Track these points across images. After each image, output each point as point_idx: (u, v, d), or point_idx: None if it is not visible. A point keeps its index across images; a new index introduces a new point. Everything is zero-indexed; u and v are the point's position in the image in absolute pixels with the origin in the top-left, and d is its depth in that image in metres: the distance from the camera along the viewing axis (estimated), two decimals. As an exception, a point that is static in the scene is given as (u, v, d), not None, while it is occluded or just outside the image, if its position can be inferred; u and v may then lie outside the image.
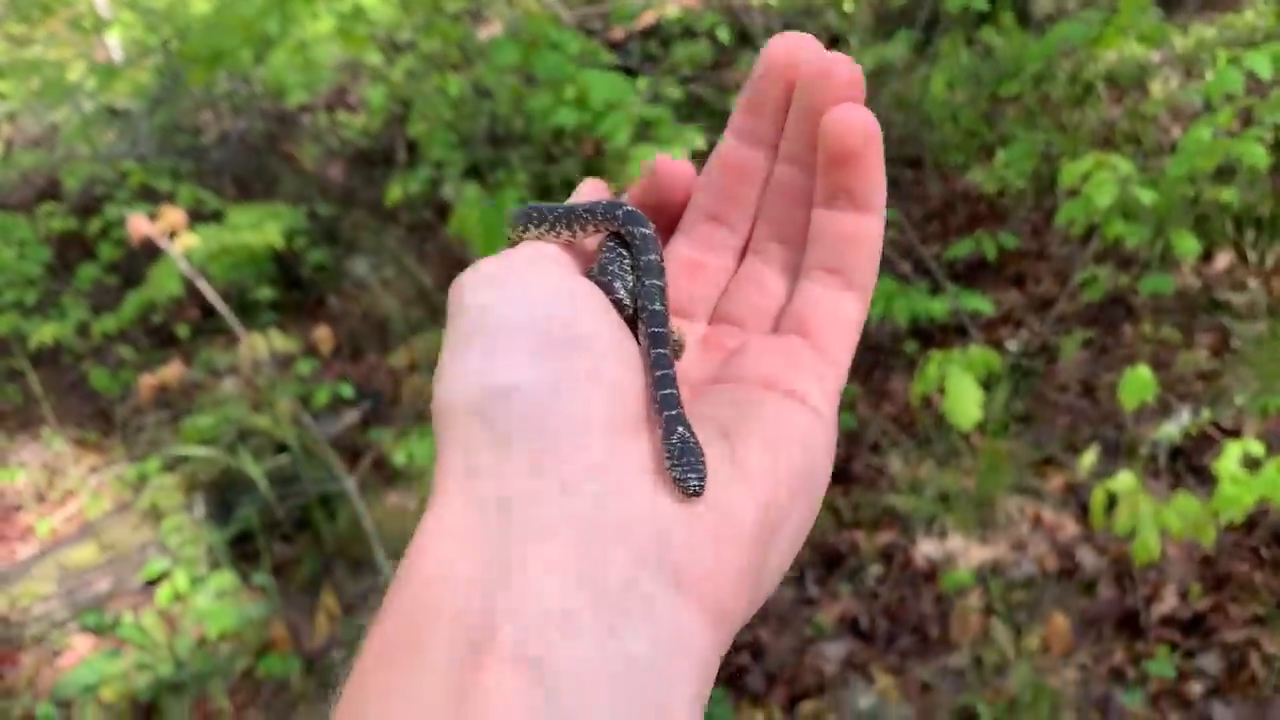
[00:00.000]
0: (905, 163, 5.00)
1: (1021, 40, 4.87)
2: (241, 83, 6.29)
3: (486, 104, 5.77)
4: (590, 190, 0.72)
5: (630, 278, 0.66)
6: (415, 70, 5.81)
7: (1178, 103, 4.49)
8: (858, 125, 0.60)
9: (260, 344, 2.96)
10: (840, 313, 0.63)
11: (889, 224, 4.37)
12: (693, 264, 0.70)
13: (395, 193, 5.15)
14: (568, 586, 0.49)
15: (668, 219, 0.72)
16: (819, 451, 0.59)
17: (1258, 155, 3.21)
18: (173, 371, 3.01)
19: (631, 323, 0.64)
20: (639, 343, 0.63)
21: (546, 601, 0.48)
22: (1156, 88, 4.69)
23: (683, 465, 0.54)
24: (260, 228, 4.95)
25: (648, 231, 0.67)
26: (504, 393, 0.54)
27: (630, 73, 5.39)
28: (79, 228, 5.74)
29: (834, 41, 5.40)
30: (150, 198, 5.69)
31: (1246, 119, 3.57)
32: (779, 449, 0.57)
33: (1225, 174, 3.77)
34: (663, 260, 0.66)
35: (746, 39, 5.78)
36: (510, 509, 0.51)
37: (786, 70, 0.65)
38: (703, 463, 0.54)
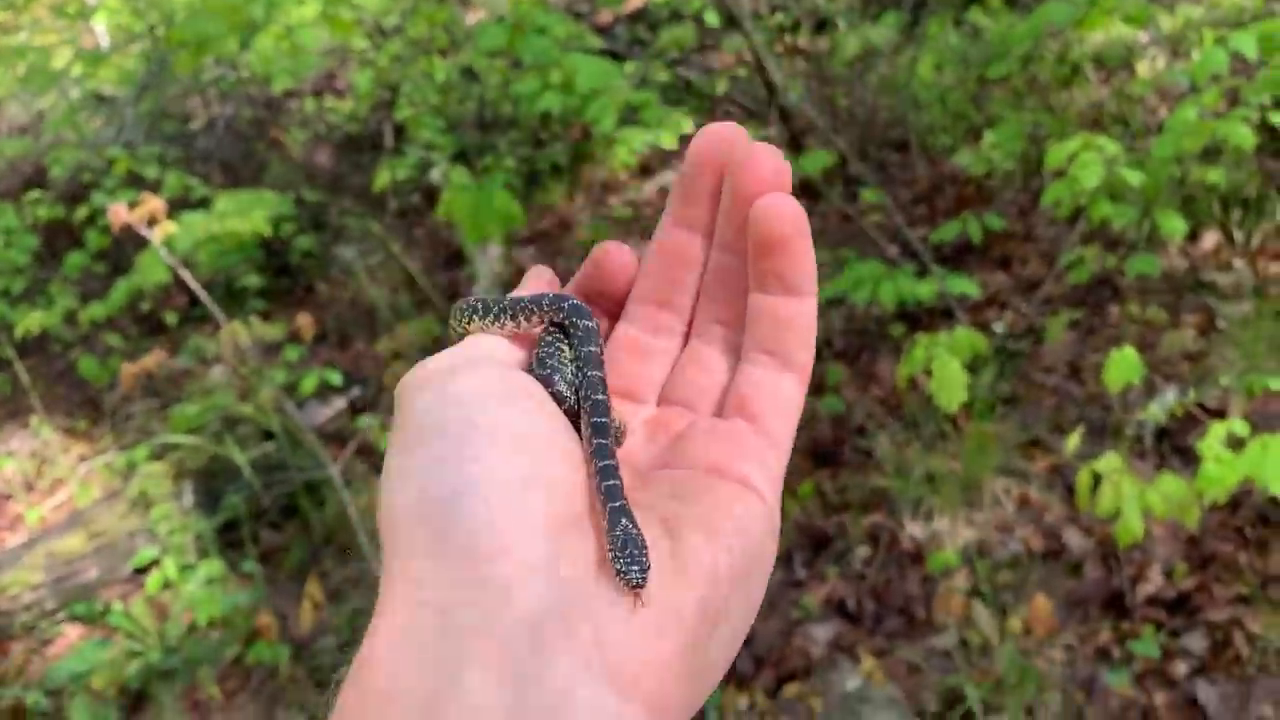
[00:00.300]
0: (892, 146, 5.00)
1: (1009, 21, 4.86)
2: (229, 68, 6.26)
3: (475, 88, 5.75)
4: (535, 279, 0.75)
5: (570, 369, 0.68)
6: (402, 55, 5.79)
7: (1164, 83, 4.49)
8: (786, 214, 0.63)
9: (241, 331, 2.95)
10: (781, 394, 0.65)
11: (876, 207, 4.36)
12: (639, 347, 0.72)
13: (383, 178, 5.13)
14: (504, 699, 0.50)
15: (612, 304, 0.74)
16: (762, 538, 0.60)
17: (1244, 136, 3.21)
18: (154, 359, 3.00)
19: (572, 414, 0.66)
20: (581, 433, 0.64)
21: (483, 716, 0.49)
22: (1143, 68, 4.68)
23: (625, 558, 0.55)
24: (247, 214, 4.93)
25: (590, 324, 0.69)
26: (445, 499, 0.56)
27: (617, 57, 5.38)
28: (66, 215, 5.71)
29: (821, 25, 5.38)
30: (137, 185, 5.67)
31: (1233, 99, 3.56)
32: (720, 541, 0.58)
33: (1211, 154, 3.77)
34: (603, 352, 0.69)
35: (734, 21, 5.77)
36: (451, 617, 0.52)
37: (715, 161, 0.67)
38: (645, 554, 0.55)
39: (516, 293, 0.74)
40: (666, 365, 0.71)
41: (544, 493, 0.57)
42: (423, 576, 0.54)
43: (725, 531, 0.58)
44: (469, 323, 0.72)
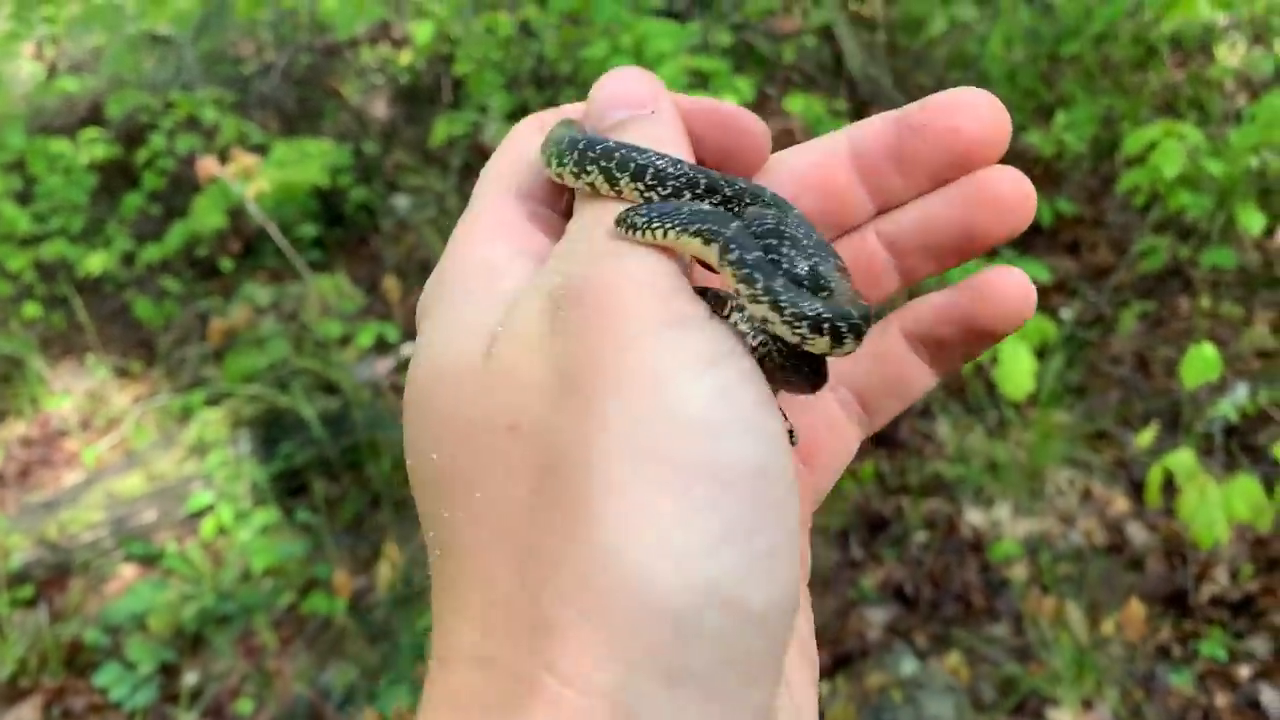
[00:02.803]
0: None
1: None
2: (288, 13, 6.23)
3: (533, 45, 5.70)
4: (626, 90, 0.64)
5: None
6: (463, 6, 5.74)
7: (1245, 69, 4.40)
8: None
9: (327, 287, 2.96)
10: (841, 438, 0.69)
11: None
12: None
13: (441, 131, 5.11)
14: None
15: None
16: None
17: (1331, 130, 3.15)
18: (242, 315, 3.02)
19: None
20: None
21: None
22: (1223, 52, 4.58)
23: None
24: (306, 164, 4.94)
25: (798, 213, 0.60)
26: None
27: (676, 17, 5.31)
28: (123, 155, 5.72)
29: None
30: (195, 128, 5.67)
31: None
32: None
33: (1292, 146, 3.70)
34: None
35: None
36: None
37: (960, 144, 0.62)
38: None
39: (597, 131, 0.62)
40: None
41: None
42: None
43: None
44: (575, 171, 0.59)
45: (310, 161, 4.95)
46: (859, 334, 0.53)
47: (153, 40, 6.84)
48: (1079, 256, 4.11)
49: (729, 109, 0.64)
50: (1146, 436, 2.85)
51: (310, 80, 6.43)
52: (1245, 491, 2.44)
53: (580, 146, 0.59)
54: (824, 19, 4.74)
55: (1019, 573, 3.00)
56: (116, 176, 5.97)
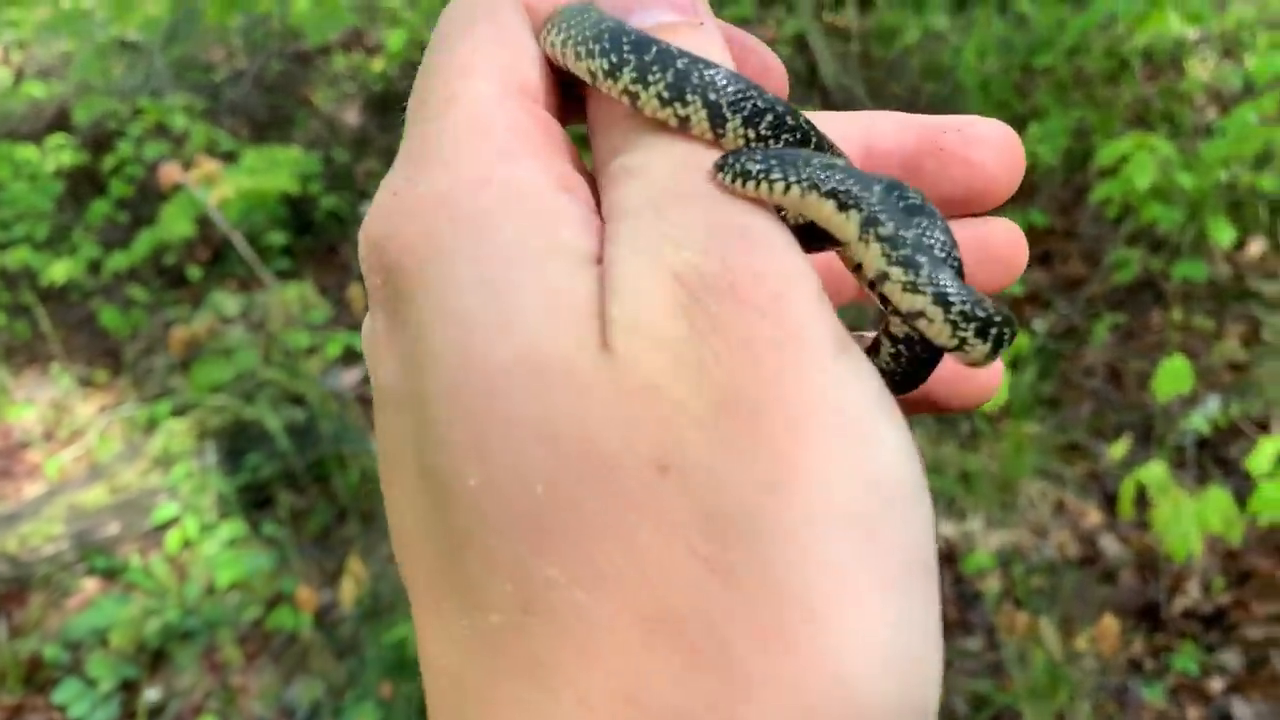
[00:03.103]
0: (933, 132, 4.92)
1: (1056, 9, 4.77)
2: (260, 20, 6.18)
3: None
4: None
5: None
6: (435, 13, 5.70)
7: (1215, 84, 4.42)
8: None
9: (292, 296, 2.91)
10: None
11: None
12: None
13: (413, 140, 5.06)
14: None
15: None
16: None
17: (1301, 144, 3.17)
18: (204, 324, 2.97)
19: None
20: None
21: None
22: (1194, 67, 4.61)
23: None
24: (276, 172, 4.88)
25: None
26: None
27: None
28: (90, 162, 5.65)
29: (865, 2, 5.29)
30: (163, 135, 5.61)
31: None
32: None
33: (1261, 160, 3.71)
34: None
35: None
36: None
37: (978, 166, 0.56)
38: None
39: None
40: None
41: None
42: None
43: None
44: (635, 77, 0.45)
45: (280, 169, 4.90)
46: (1010, 344, 0.45)
47: (122, 46, 6.77)
48: (1052, 268, 4.11)
49: (759, 43, 0.54)
50: (1119, 449, 2.84)
51: (281, 87, 6.37)
52: (1218, 504, 2.43)
53: (649, 47, 0.45)
54: (798, 27, 4.74)
55: (992, 585, 2.98)
56: (83, 183, 5.89)
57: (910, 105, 4.90)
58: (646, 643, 0.38)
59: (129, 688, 3.54)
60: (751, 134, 0.46)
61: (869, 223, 0.43)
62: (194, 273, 5.46)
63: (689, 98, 0.45)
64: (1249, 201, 3.79)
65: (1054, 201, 4.39)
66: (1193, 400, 3.28)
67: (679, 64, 0.45)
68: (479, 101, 0.46)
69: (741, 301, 0.40)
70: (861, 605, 0.37)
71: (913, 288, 0.43)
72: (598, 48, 0.46)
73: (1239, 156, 3.47)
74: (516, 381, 0.40)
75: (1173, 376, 2.76)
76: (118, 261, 5.18)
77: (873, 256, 0.44)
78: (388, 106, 6.24)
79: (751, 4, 4.95)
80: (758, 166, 0.43)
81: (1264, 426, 3.15)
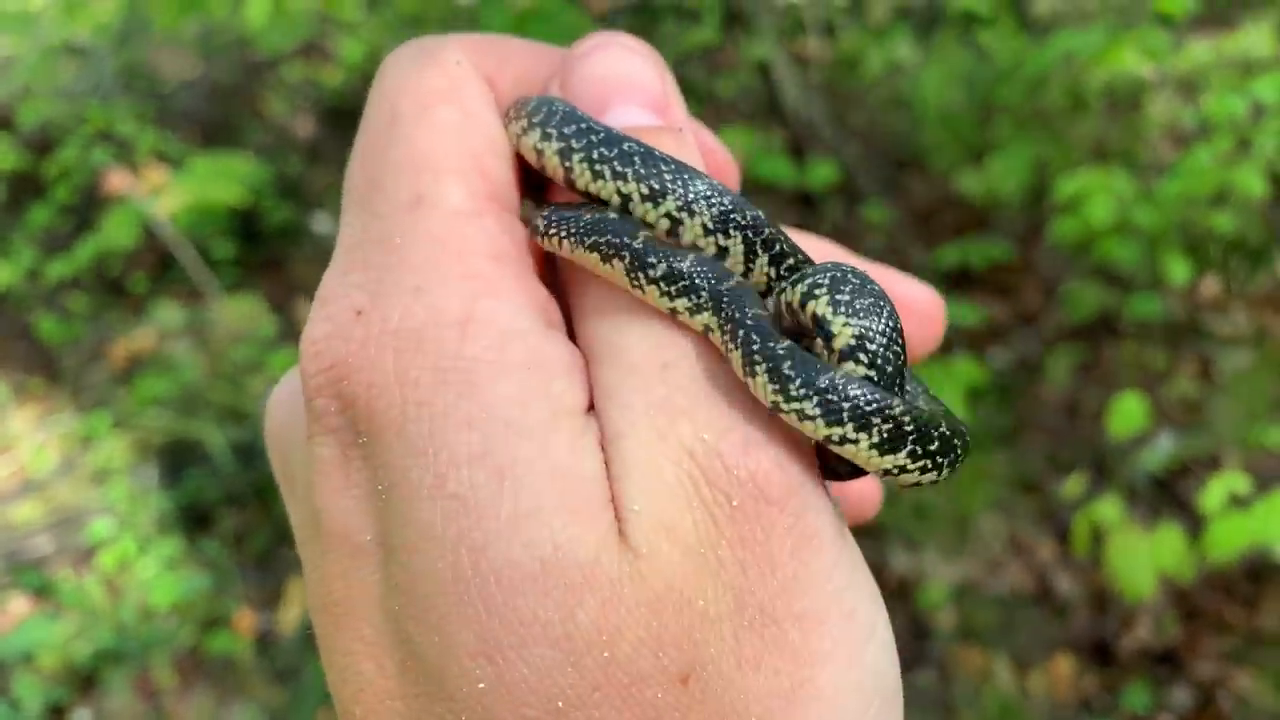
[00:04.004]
0: (892, 163, 4.94)
1: (1016, 44, 4.81)
2: (212, 29, 6.07)
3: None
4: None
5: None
6: (393, 26, 5.63)
7: (1173, 122, 4.47)
8: None
9: (238, 311, 2.82)
10: None
11: (877, 226, 4.31)
12: None
13: (368, 154, 4.98)
14: None
15: None
16: None
17: (1254, 184, 3.19)
18: (146, 339, 2.87)
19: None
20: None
21: None
22: (1153, 105, 4.66)
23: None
24: (225, 181, 4.78)
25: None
26: None
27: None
28: (33, 166, 5.50)
29: (829, 32, 5.31)
30: (110, 140, 5.48)
31: (1242, 146, 3.54)
32: None
33: (1217, 200, 3.75)
34: None
35: (738, 19, 5.67)
36: None
37: None
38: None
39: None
40: None
41: None
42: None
43: None
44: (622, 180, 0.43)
45: (229, 178, 4.79)
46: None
47: (70, 50, 6.62)
48: (1008, 300, 4.12)
49: (715, 141, 0.54)
50: (1075, 485, 2.84)
51: (234, 96, 6.27)
52: (1170, 543, 2.43)
53: (631, 158, 0.43)
54: (761, 55, 4.73)
55: (946, 620, 2.95)
56: (25, 188, 5.73)
57: (869, 136, 4.91)
58: None
59: (57, 711, 3.41)
60: (720, 241, 0.44)
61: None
62: (139, 283, 5.33)
63: (694, 208, 0.43)
64: (1204, 240, 3.82)
65: (1012, 234, 4.41)
66: (1146, 437, 3.29)
67: (666, 174, 0.43)
68: (451, 216, 0.43)
69: (761, 496, 0.39)
70: None
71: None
72: (585, 155, 0.44)
73: (1194, 195, 3.50)
74: (537, 585, 0.37)
75: (1127, 415, 2.76)
76: (58, 269, 5.03)
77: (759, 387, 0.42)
78: (343, 119, 6.15)
79: (716, 29, 4.94)
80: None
81: (1215, 464, 3.16)
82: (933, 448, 0.41)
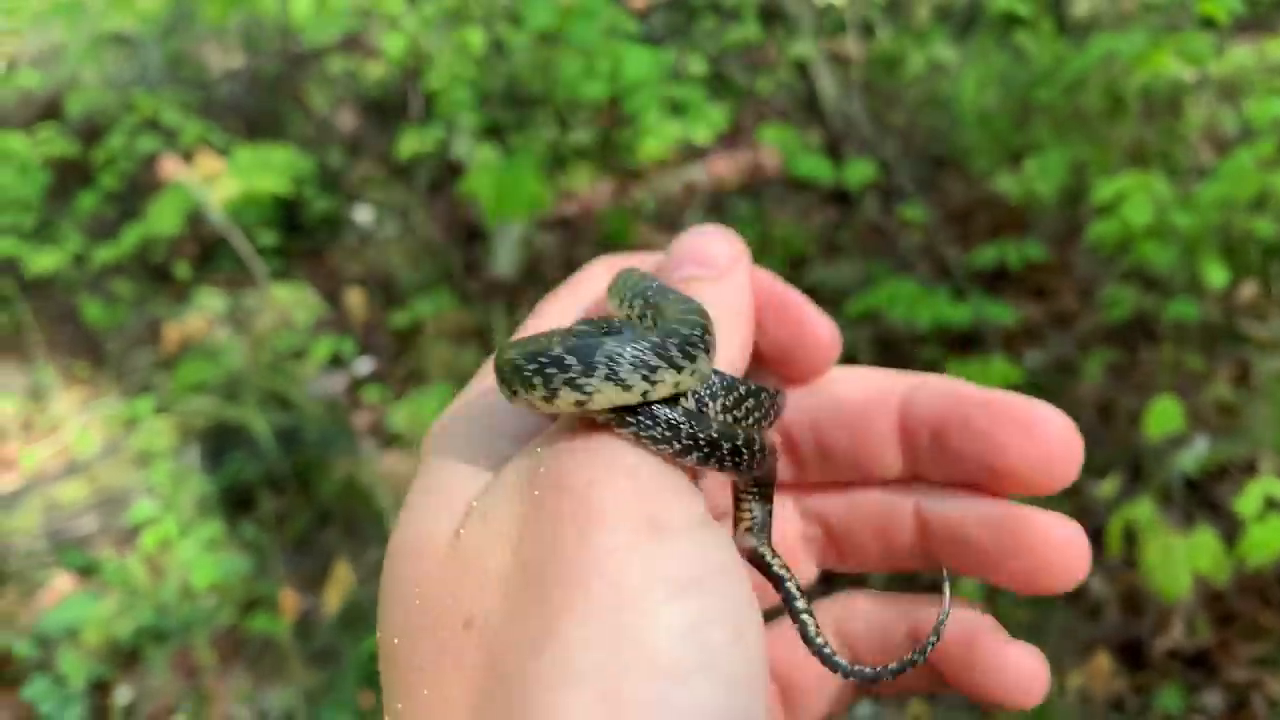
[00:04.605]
0: (928, 162, 4.95)
1: (1056, 46, 4.80)
2: (257, 20, 6.15)
3: (504, 64, 5.66)
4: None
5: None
6: (434, 20, 5.68)
7: (1213, 126, 4.45)
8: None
9: (285, 296, 2.88)
10: None
11: (914, 225, 4.32)
12: None
13: (409, 145, 5.03)
14: None
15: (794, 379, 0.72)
16: None
17: (1296, 190, 3.19)
18: (198, 323, 2.93)
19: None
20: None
21: None
22: (1193, 108, 4.64)
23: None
24: (269, 171, 4.84)
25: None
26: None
27: (652, 44, 5.29)
28: (81, 154, 5.60)
29: (869, 32, 5.32)
30: (156, 129, 5.56)
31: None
32: None
33: (1255, 204, 3.74)
34: None
35: (774, 16, 5.68)
36: None
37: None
38: None
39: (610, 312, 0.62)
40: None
41: None
42: None
43: None
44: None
45: (273, 169, 4.86)
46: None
47: (117, 40, 6.72)
48: (1043, 301, 4.12)
49: (806, 309, 0.65)
50: (1109, 486, 2.84)
51: (277, 88, 6.34)
52: (1206, 545, 2.44)
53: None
54: (800, 53, 4.75)
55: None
56: (72, 175, 5.83)
57: (908, 136, 4.92)
58: None
59: (100, 687, 3.49)
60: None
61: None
62: (182, 270, 5.41)
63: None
64: (1243, 244, 3.81)
65: (1049, 236, 4.41)
66: (1181, 440, 3.28)
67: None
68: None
69: (560, 487, 0.48)
70: None
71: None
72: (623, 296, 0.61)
73: (1234, 199, 3.49)
74: (402, 564, 0.51)
75: (1163, 416, 2.76)
76: (104, 255, 5.12)
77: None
78: (384, 112, 6.22)
79: (757, 27, 4.96)
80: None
81: (1251, 469, 3.16)
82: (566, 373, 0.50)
